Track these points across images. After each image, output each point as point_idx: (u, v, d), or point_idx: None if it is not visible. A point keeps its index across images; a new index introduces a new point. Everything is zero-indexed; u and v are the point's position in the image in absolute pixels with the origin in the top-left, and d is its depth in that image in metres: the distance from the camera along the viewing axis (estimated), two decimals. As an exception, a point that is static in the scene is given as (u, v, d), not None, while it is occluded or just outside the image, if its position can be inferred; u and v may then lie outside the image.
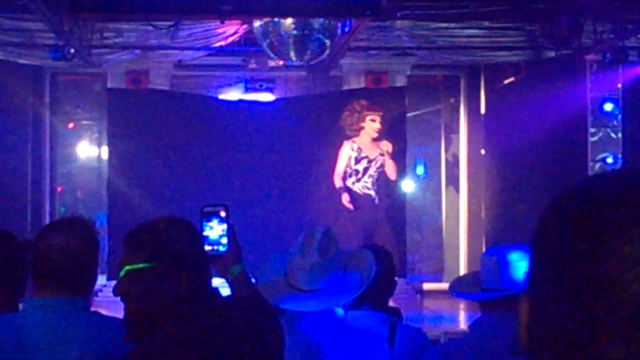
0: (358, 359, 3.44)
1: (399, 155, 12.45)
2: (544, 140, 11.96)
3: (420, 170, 15.14)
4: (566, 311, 1.01)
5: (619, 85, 12.29)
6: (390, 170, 12.13)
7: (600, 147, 13.09)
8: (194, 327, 2.51)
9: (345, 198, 12.15)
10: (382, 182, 12.25)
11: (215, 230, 3.04)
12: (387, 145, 12.08)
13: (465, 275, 3.86)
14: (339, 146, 12.20)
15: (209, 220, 3.03)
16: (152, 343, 2.50)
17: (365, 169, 12.10)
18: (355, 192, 12.10)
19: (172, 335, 2.49)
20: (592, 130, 12.78)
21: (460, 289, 3.76)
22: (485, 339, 3.36)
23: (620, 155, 12.56)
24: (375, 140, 12.12)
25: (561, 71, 11.81)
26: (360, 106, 12.19)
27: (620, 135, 12.71)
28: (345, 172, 12.10)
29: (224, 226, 3.04)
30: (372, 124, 12.13)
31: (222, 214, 3.04)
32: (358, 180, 12.12)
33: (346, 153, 12.13)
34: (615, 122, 12.95)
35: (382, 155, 12.10)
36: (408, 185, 13.52)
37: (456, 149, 14.45)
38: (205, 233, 3.01)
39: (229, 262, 3.05)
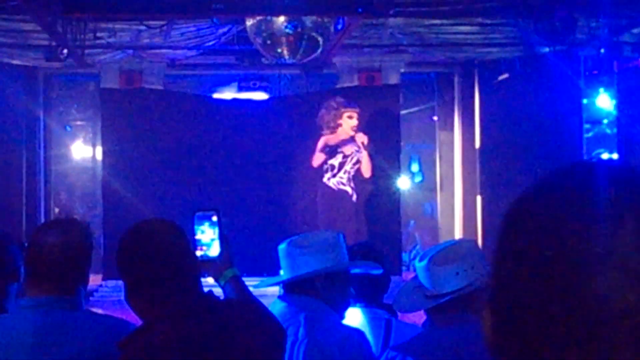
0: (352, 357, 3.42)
1: (386, 152, 12.45)
2: (539, 136, 11.95)
3: (415, 167, 15.13)
4: (532, 314, 0.99)
5: (614, 81, 12.27)
6: (366, 167, 12.11)
7: (595, 143, 13.10)
8: (182, 330, 2.50)
9: (325, 177, 12.12)
10: (359, 179, 12.25)
11: (206, 234, 3.05)
12: (362, 138, 12.07)
13: (404, 287, 3.51)
14: (317, 142, 12.25)
15: (201, 224, 3.05)
16: (140, 348, 2.49)
17: (341, 164, 12.08)
18: (330, 187, 12.09)
19: (159, 339, 2.48)
20: (587, 126, 12.78)
21: (405, 304, 3.47)
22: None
23: (615, 151, 12.56)
24: (352, 137, 12.13)
25: (555, 67, 11.80)
26: (337, 103, 12.20)
27: (615, 131, 12.71)
28: (323, 159, 12.11)
29: (216, 230, 3.05)
30: (349, 121, 12.13)
31: (214, 218, 3.05)
32: (334, 176, 12.11)
33: (323, 144, 12.18)
34: (610, 118, 12.95)
35: (358, 151, 12.09)
36: (403, 183, 13.47)
37: (451, 146, 14.43)
38: (197, 237, 3.02)
39: (221, 266, 3.05)
